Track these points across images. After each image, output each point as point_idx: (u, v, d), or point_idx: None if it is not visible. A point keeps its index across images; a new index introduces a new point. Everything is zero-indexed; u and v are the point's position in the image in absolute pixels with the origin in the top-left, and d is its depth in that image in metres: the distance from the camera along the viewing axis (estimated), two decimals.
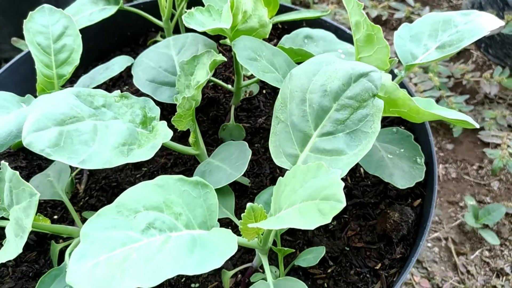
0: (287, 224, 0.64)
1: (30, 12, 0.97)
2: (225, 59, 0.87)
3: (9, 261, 0.94)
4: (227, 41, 1.07)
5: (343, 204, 0.60)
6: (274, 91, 1.21)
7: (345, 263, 0.91)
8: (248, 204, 0.74)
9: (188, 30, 1.24)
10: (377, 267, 0.89)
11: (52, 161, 1.11)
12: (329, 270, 0.90)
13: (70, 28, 0.98)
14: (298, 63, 0.98)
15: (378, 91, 0.74)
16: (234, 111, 1.14)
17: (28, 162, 1.10)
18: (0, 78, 1.14)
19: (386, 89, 0.79)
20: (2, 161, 0.75)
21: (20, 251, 0.69)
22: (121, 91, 0.90)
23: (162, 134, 0.83)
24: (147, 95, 0.95)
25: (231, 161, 0.89)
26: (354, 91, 0.74)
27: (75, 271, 0.62)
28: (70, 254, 0.83)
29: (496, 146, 1.71)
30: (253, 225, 0.70)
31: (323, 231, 0.96)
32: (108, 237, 0.65)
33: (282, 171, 1.06)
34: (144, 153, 0.77)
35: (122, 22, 1.28)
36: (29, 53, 1.20)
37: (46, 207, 1.04)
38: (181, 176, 0.73)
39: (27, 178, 1.08)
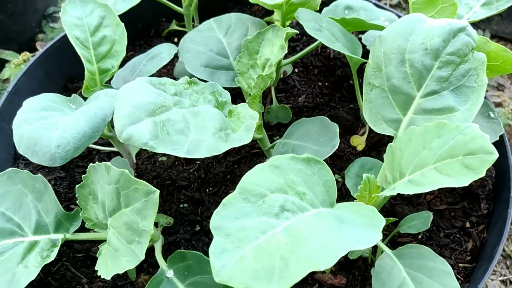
0: (429, 187, 0.62)
1: (63, 4, 0.88)
2: (297, 32, 0.83)
3: (82, 279, 0.85)
4: (273, 17, 1.03)
5: (495, 155, 0.59)
6: (307, 69, 1.18)
7: (432, 227, 0.90)
8: (364, 175, 0.72)
9: (203, 18, 1.19)
10: (466, 226, 0.89)
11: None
12: (419, 236, 0.89)
13: (107, 18, 0.90)
14: (351, 33, 0.97)
15: (475, 44, 0.73)
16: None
17: (66, 172, 1.00)
18: (19, 84, 1.02)
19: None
20: (99, 163, 0.67)
21: (142, 257, 0.62)
22: None
23: (248, 116, 0.77)
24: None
25: (312, 138, 0.85)
26: (454, 46, 0.72)
27: (223, 268, 0.57)
28: (167, 258, 0.76)
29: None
30: (385, 193, 0.67)
31: (400, 200, 0.94)
32: (244, 227, 0.60)
33: None
34: (242, 136, 0.72)
35: (133, 14, 1.18)
36: (42, 55, 1.09)
37: None
38: (292, 154, 0.69)
39: (70, 189, 0.98)
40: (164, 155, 1.03)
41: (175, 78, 1.13)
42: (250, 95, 0.95)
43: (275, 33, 0.85)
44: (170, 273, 0.74)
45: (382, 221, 0.61)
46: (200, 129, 0.70)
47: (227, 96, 0.83)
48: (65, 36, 1.11)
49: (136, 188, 0.62)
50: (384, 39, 0.76)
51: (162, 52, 0.93)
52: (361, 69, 1.07)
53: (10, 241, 0.75)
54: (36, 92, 1.06)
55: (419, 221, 0.80)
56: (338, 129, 0.82)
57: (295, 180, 0.67)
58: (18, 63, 1.50)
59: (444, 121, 0.66)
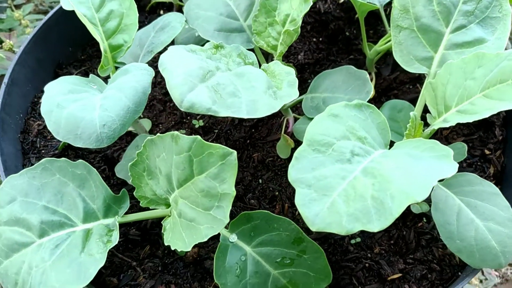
0: (485, 113, 0.66)
1: None
2: None
3: (131, 262, 0.83)
4: None
5: None
6: None
7: None
8: (412, 113, 0.74)
9: None
10: (486, 153, 0.95)
11: (105, 150, 0.97)
12: None
13: None
14: None
15: None
16: None
17: (80, 158, 0.95)
18: (14, 74, 0.95)
19: None
20: (160, 135, 0.64)
21: (227, 221, 0.61)
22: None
23: (284, 72, 0.77)
24: None
25: (340, 88, 0.86)
26: None
27: (317, 217, 0.58)
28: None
29: None
30: (436, 125, 0.71)
31: None
32: (323, 176, 0.61)
33: None
34: (290, 92, 0.72)
35: None
36: (30, 42, 1.02)
37: None
38: (344, 102, 0.70)
39: None
40: (182, 128, 1.00)
41: None
42: (263, 53, 0.95)
43: None
44: (233, 238, 0.74)
45: (450, 151, 0.63)
46: (250, 90, 0.69)
47: (252, 56, 0.82)
48: (49, 19, 1.05)
49: (210, 153, 0.60)
50: None
51: (172, 21, 0.90)
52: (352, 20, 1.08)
53: (61, 233, 0.72)
54: (31, 81, 1.00)
55: (455, 152, 0.84)
56: (368, 75, 0.84)
57: (354, 126, 0.68)
58: None
59: (483, 51, 0.70)
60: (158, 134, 0.65)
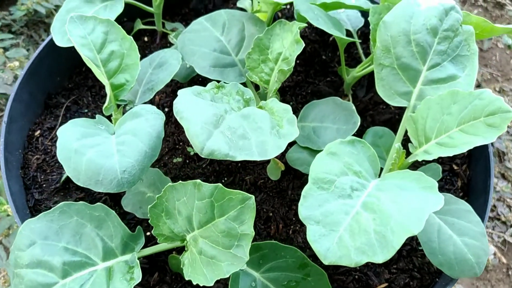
0: (463, 147, 0.76)
1: (65, 25, 0.85)
2: (306, 25, 0.90)
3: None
4: (260, 10, 1.07)
5: None
6: None
7: None
8: (396, 145, 0.83)
9: (166, 14, 1.20)
10: (454, 168, 1.06)
11: None
12: None
13: (111, 33, 0.89)
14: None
15: (462, 19, 0.86)
16: None
17: (85, 192, 0.99)
18: (12, 111, 0.97)
19: None
20: (182, 182, 0.70)
21: (247, 259, 0.68)
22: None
23: (281, 109, 0.84)
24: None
25: (328, 118, 0.94)
26: (448, 23, 0.85)
27: (328, 251, 0.66)
28: None
29: None
30: (419, 157, 0.80)
31: None
32: (329, 212, 0.69)
33: None
34: (291, 130, 0.79)
35: None
36: (24, 77, 1.03)
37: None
38: (339, 140, 0.78)
39: None
40: (179, 156, 1.06)
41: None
42: (256, 87, 1.02)
43: (282, 27, 0.91)
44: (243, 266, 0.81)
45: (435, 183, 0.73)
46: (257, 131, 0.76)
47: (249, 93, 0.88)
48: (40, 53, 1.07)
49: (230, 198, 0.67)
50: (388, 24, 0.86)
51: (169, 58, 0.94)
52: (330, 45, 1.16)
53: (84, 272, 0.76)
54: (25, 115, 1.03)
55: (431, 173, 0.94)
56: (354, 107, 0.92)
57: (350, 161, 0.76)
58: None
59: (457, 89, 0.79)
60: (180, 181, 0.70)
